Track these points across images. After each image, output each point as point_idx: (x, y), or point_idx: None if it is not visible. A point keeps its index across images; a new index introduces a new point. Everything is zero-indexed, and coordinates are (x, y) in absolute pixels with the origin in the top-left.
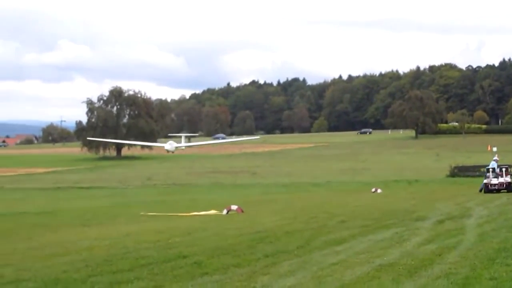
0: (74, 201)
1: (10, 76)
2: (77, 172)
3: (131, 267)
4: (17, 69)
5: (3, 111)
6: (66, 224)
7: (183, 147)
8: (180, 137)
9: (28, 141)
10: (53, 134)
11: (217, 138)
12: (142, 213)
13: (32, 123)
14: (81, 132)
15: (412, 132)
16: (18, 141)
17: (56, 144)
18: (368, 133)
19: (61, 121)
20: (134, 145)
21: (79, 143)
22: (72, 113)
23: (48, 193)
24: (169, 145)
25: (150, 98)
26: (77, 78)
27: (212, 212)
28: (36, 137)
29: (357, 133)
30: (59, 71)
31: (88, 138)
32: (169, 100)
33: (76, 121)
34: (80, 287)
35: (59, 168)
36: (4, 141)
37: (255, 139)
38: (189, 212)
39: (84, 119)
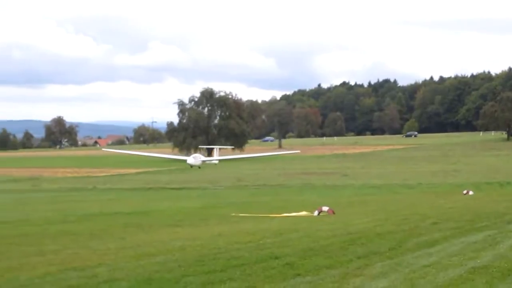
0: (166, 202)
1: (102, 77)
2: (168, 173)
3: (223, 268)
4: (109, 71)
5: (95, 112)
6: (158, 224)
7: (214, 161)
8: (218, 149)
9: (120, 142)
10: (144, 135)
11: (266, 141)
12: (233, 214)
13: (123, 124)
14: (172, 133)
15: (503, 134)
16: (109, 142)
17: (147, 145)
18: (413, 136)
19: (152, 122)
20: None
21: (170, 144)
22: (163, 114)
23: (139, 194)
24: (193, 159)
25: (241, 99)
26: (168, 79)
27: (303, 213)
28: (127, 138)
29: (403, 136)
30: (150, 72)
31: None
32: (259, 101)
33: (167, 122)
34: (173, 287)
35: (150, 169)
36: (96, 142)
37: (293, 152)
38: (280, 213)
39: (175, 120)
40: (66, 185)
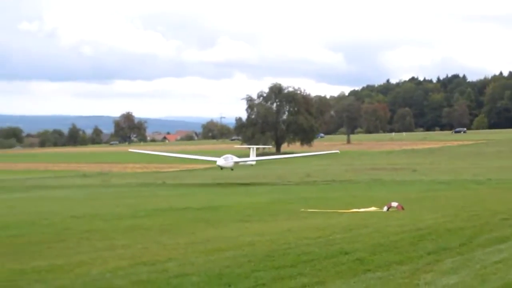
0: (234, 197)
1: (171, 73)
2: (238, 168)
3: (293, 263)
4: (178, 67)
5: (164, 108)
6: (227, 219)
7: (250, 162)
8: (256, 148)
9: (188, 138)
10: (213, 131)
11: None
12: (302, 210)
13: (192, 120)
14: (240, 128)
15: None
16: (178, 138)
17: (216, 140)
18: (462, 132)
19: (221, 117)
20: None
21: (238, 139)
22: (232, 110)
23: (208, 189)
24: (223, 160)
25: (309, 95)
26: (236, 74)
27: (372, 209)
28: (196, 134)
29: (452, 132)
30: (219, 68)
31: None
32: (328, 96)
33: (236, 118)
34: (244, 282)
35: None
36: (164, 138)
37: (331, 152)
38: (349, 209)
39: (243, 115)
40: (135, 180)
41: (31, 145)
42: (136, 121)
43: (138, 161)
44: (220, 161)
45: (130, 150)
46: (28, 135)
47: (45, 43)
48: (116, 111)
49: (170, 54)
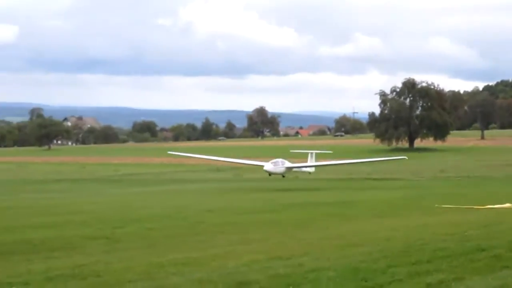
0: (368, 192)
1: (304, 68)
2: (371, 164)
3: (429, 259)
4: (311, 62)
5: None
6: (361, 214)
7: (307, 169)
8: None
9: (321, 132)
10: (345, 126)
11: None
12: (436, 205)
13: (324, 114)
14: (373, 123)
15: None
16: (311, 132)
17: (347, 135)
18: None
19: (353, 112)
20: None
21: (371, 134)
22: (364, 105)
23: (342, 184)
24: (271, 165)
25: (443, 90)
26: (369, 70)
27: (507, 205)
28: (328, 128)
29: None
30: (352, 63)
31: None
32: (461, 92)
33: (369, 113)
34: (380, 277)
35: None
36: (297, 132)
37: (399, 158)
38: (483, 205)
39: (376, 110)
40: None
41: (165, 139)
42: (269, 115)
43: (271, 155)
44: (268, 166)
45: (169, 152)
46: (162, 129)
47: (179, 38)
48: (249, 105)
49: (303, 49)
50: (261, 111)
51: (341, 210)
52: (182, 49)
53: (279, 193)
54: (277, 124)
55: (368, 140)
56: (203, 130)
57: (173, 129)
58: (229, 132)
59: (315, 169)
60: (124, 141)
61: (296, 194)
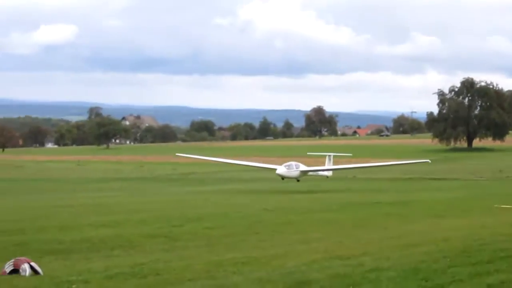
0: (426, 192)
1: (362, 67)
2: (428, 163)
3: (489, 259)
4: (369, 61)
5: (354, 102)
6: (419, 214)
7: (324, 173)
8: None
9: (378, 132)
10: (403, 125)
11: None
12: (495, 206)
13: (382, 114)
14: (432, 123)
15: None
16: (368, 132)
17: (412, 135)
18: None
19: (412, 112)
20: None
21: (429, 134)
22: (423, 104)
23: (399, 184)
24: (284, 168)
25: (501, 90)
26: (427, 69)
27: None
28: (386, 128)
29: None
30: (410, 62)
31: None
32: None
33: (427, 112)
34: (440, 277)
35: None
36: (355, 132)
37: (423, 161)
38: None
39: (434, 110)
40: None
41: (223, 138)
42: (327, 115)
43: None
44: (281, 170)
45: (176, 154)
46: (220, 128)
47: (237, 37)
48: (307, 105)
49: (360, 48)
50: (318, 111)
51: (400, 210)
52: (240, 48)
53: (336, 193)
54: (335, 124)
55: (426, 140)
56: (261, 129)
57: (230, 128)
58: (287, 131)
59: (333, 173)
60: (183, 140)
61: (353, 194)
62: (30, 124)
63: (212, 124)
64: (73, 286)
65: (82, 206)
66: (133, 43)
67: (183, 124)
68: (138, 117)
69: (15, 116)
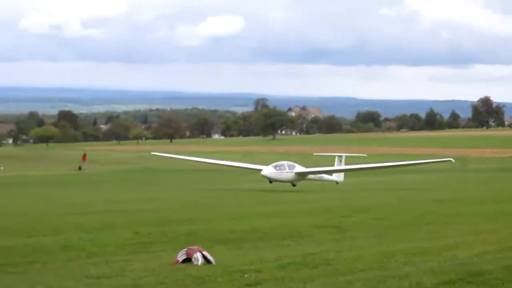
0: None
1: None
2: None
3: None
4: None
5: None
6: None
7: (328, 178)
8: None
9: None
10: None
11: None
12: None
13: None
14: None
15: None
16: None
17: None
18: None
19: None
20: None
21: None
22: None
23: None
24: (272, 168)
25: None
26: None
27: None
28: None
29: None
30: None
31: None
32: None
33: None
34: None
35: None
36: None
37: (444, 160)
38: None
39: None
40: (494, 165)
41: (389, 129)
42: (494, 105)
43: (496, 146)
44: (267, 170)
45: (152, 153)
46: (386, 119)
47: (403, 27)
48: (474, 95)
49: None
50: (486, 101)
51: None
52: (406, 39)
53: (506, 184)
54: (502, 114)
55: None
56: (427, 121)
57: (396, 119)
58: (453, 122)
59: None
60: (348, 131)
61: None
62: (197, 116)
63: (378, 115)
64: (246, 275)
65: (249, 196)
66: (299, 34)
67: (348, 115)
68: (304, 108)
69: (182, 107)
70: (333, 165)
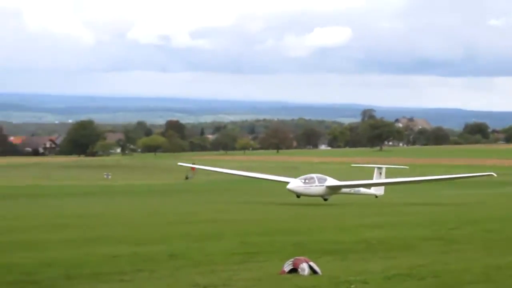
0: None
1: None
2: None
3: None
4: None
5: None
6: None
7: (365, 191)
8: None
9: None
10: None
11: None
12: None
13: None
14: None
15: None
16: None
17: None
18: None
19: None
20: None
21: None
22: None
23: None
24: (300, 182)
25: None
26: None
27: None
28: None
29: None
30: None
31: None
32: None
33: None
34: None
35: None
36: None
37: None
38: None
39: None
40: None
41: (496, 141)
42: None
43: None
44: (294, 184)
45: (178, 164)
46: (494, 131)
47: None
48: None
49: None
50: None
51: None
52: None
53: None
54: None
55: None
56: None
57: (504, 130)
58: None
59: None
60: (456, 142)
61: None
62: (303, 126)
63: (486, 126)
64: (352, 286)
65: (351, 208)
66: (406, 45)
67: (456, 126)
68: (411, 119)
69: (289, 118)
70: (374, 176)
